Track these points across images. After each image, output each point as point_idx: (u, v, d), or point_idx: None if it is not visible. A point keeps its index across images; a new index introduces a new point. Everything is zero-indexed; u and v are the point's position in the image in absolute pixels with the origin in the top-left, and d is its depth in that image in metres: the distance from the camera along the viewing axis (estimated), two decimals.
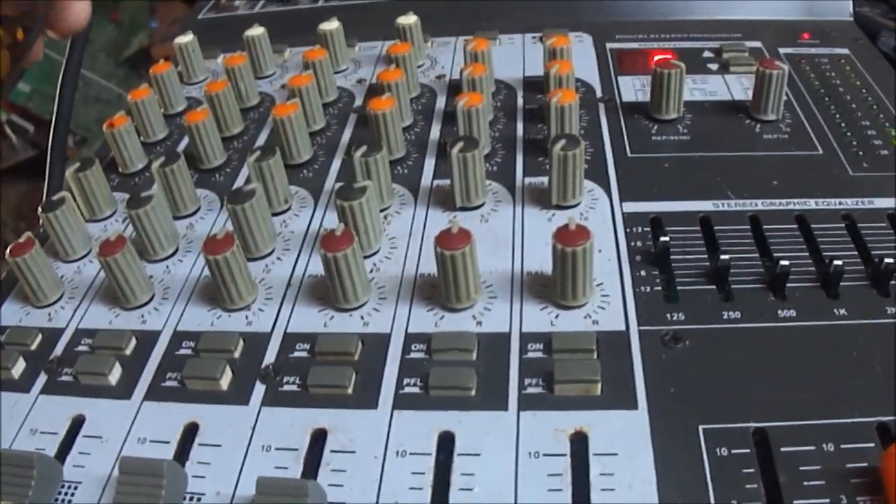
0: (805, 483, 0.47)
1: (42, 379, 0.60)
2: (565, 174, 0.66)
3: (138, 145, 0.81)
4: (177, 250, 0.70)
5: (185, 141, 0.83)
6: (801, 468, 0.47)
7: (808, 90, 0.83)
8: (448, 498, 0.48)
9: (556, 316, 0.58)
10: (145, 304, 0.65)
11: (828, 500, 0.46)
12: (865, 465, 0.47)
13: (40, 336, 0.64)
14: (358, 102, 0.87)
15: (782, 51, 0.90)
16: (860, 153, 0.73)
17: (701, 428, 0.50)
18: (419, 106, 0.85)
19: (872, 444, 0.48)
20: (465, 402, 0.54)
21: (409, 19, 0.90)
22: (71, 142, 1.83)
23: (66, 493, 0.52)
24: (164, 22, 1.96)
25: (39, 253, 0.65)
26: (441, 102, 0.86)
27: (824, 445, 0.48)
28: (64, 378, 0.60)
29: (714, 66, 0.88)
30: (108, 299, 0.65)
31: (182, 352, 0.60)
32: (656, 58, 0.87)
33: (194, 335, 0.61)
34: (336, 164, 0.78)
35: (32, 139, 1.91)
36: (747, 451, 0.49)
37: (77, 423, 0.56)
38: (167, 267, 0.68)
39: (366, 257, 0.65)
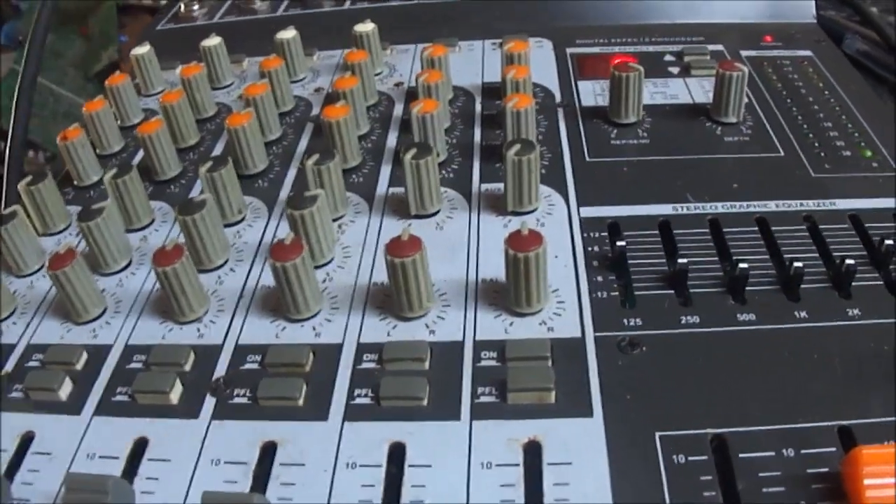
0: (764, 490, 0.46)
1: None
2: (520, 179, 0.65)
3: (93, 158, 0.79)
4: (130, 263, 0.68)
5: (142, 153, 0.82)
6: (761, 474, 0.46)
7: (769, 92, 0.82)
8: None
9: (511, 323, 0.57)
10: (97, 318, 0.63)
11: None
12: (827, 470, 0.46)
13: None
14: (315, 111, 0.86)
15: (744, 53, 0.90)
16: (822, 154, 0.72)
17: (658, 435, 0.49)
18: (376, 114, 0.84)
19: (834, 449, 0.47)
20: (416, 412, 0.52)
21: (366, 27, 0.89)
22: (41, 157, 1.82)
23: None
24: (133, 36, 1.94)
25: None
26: (399, 110, 0.84)
27: (784, 451, 0.48)
28: (14, 394, 0.58)
29: (675, 70, 0.87)
30: (60, 314, 0.64)
31: (133, 366, 0.59)
32: (616, 61, 0.86)
33: (145, 349, 0.60)
34: (292, 174, 0.76)
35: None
36: (705, 457, 0.48)
37: (27, 440, 0.55)
38: (120, 280, 0.67)
39: (318, 267, 0.64)
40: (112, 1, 1.56)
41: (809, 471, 0.46)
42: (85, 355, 0.60)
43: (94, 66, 1.90)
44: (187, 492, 0.50)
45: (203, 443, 0.53)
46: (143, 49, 0.92)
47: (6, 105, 1.72)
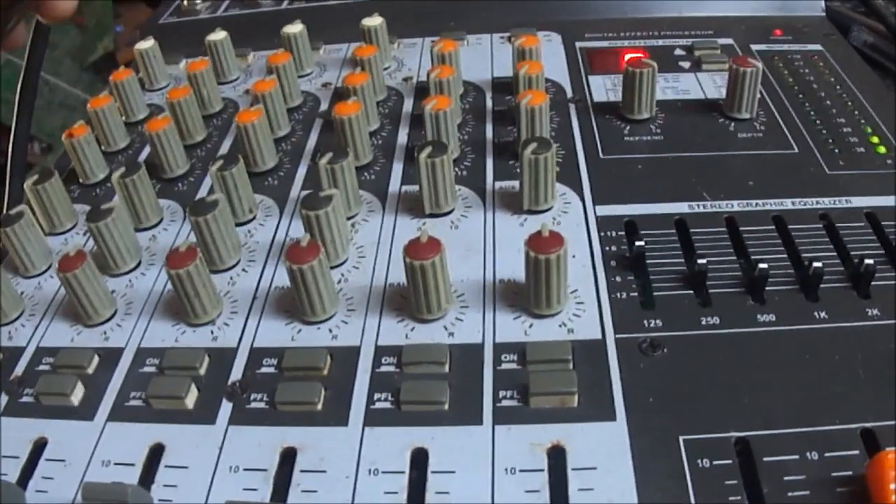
0: (790, 493, 0.45)
1: (3, 400, 0.58)
2: (537, 178, 0.64)
3: (99, 155, 0.79)
4: (139, 263, 0.68)
5: (148, 150, 0.81)
6: (785, 478, 0.46)
7: (781, 87, 0.82)
8: None
9: (531, 325, 0.57)
10: (107, 320, 0.62)
11: None
12: (850, 473, 0.46)
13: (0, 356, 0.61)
14: (323, 107, 0.85)
15: (755, 48, 0.89)
16: (836, 151, 0.72)
17: (682, 439, 0.49)
18: (386, 109, 0.83)
19: (857, 452, 0.47)
20: (438, 416, 0.52)
21: (374, 21, 0.88)
22: (37, 148, 1.81)
23: None
24: (129, 26, 1.93)
25: None
26: (408, 105, 0.84)
27: (808, 454, 0.47)
28: (25, 399, 0.57)
29: (686, 65, 0.86)
30: (69, 316, 0.63)
31: (146, 369, 0.58)
32: (627, 56, 0.86)
33: (158, 352, 0.59)
34: (302, 172, 0.76)
35: None
36: (729, 461, 0.47)
37: (39, 447, 0.54)
38: (130, 281, 0.66)
39: (333, 267, 0.63)
40: None
41: (834, 474, 0.46)
42: (96, 359, 0.59)
43: (90, 57, 1.89)
44: (206, 499, 0.49)
45: (221, 449, 0.52)
46: (147, 44, 0.92)
47: (5, 97, 1.71)
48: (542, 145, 0.63)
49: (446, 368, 0.55)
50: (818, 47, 0.90)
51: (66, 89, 1.85)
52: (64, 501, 0.50)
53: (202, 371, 0.57)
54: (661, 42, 0.91)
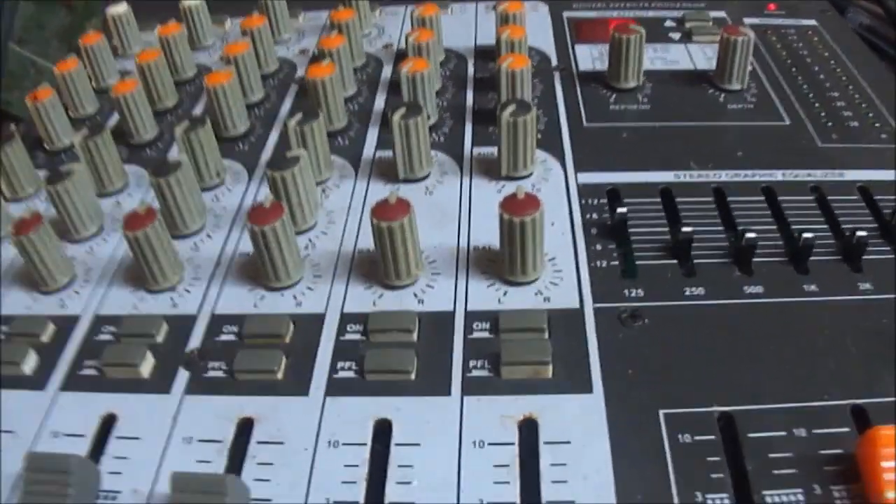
0: (775, 472, 0.43)
1: None
2: (515, 142, 0.62)
3: (65, 120, 0.76)
4: (101, 229, 0.65)
5: (117, 117, 0.78)
6: (771, 455, 0.44)
7: (774, 60, 0.80)
8: (384, 493, 0.44)
9: (505, 293, 0.55)
10: (65, 287, 0.60)
11: (800, 490, 0.42)
12: (840, 451, 0.44)
13: None
14: (300, 73, 0.83)
15: (748, 21, 0.87)
16: (829, 124, 0.70)
17: (661, 413, 0.47)
18: (364, 76, 0.81)
19: (847, 429, 0.45)
20: (403, 386, 0.50)
21: None
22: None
23: None
24: None
25: None
26: (388, 72, 0.81)
27: (795, 431, 0.45)
28: None
29: (676, 36, 0.84)
30: (26, 282, 0.60)
31: (102, 337, 0.56)
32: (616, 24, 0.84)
33: (116, 319, 0.56)
34: (274, 137, 0.73)
35: None
36: (712, 437, 0.45)
37: None
38: (90, 247, 0.64)
39: (300, 233, 0.61)
40: None
41: (822, 452, 0.44)
42: (52, 327, 0.57)
43: (79, 37, 1.86)
44: (157, 472, 0.47)
45: (175, 419, 0.49)
46: (120, 8, 0.89)
47: None
48: (522, 108, 0.61)
49: (414, 337, 0.52)
50: (813, 22, 0.88)
51: (54, 70, 1.82)
52: (8, 473, 0.48)
53: (160, 339, 0.55)
54: (651, 13, 0.89)
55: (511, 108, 0.61)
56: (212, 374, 0.52)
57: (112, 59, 0.85)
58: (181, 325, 0.56)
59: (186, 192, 0.61)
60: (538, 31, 0.86)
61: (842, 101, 0.73)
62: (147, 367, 0.53)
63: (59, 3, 1.78)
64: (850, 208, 0.60)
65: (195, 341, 0.54)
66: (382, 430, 0.48)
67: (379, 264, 0.55)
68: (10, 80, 1.16)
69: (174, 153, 0.72)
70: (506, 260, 0.54)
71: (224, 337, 0.55)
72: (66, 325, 0.57)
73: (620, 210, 0.58)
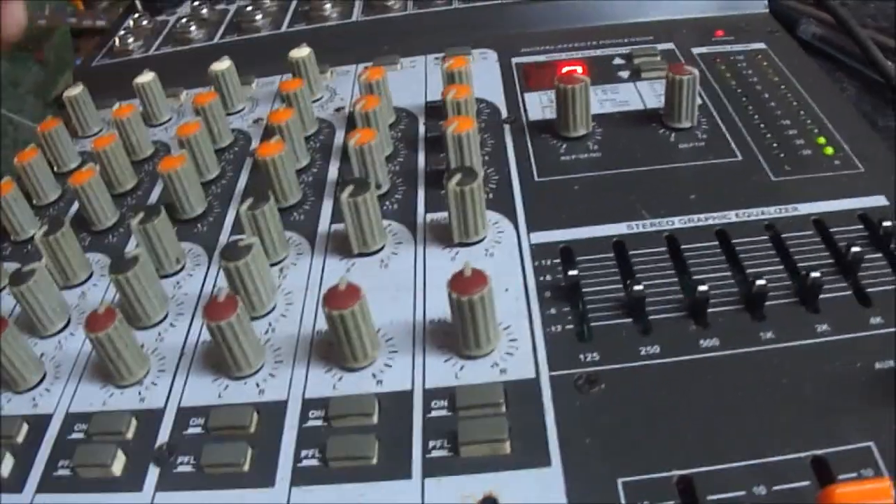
0: None
1: None
2: (464, 210, 0.62)
3: (28, 210, 0.76)
4: (68, 323, 0.65)
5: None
6: None
7: (724, 91, 0.80)
8: None
9: (461, 367, 0.55)
10: (36, 385, 0.60)
11: None
12: None
13: None
14: (255, 144, 0.83)
15: (696, 51, 0.87)
16: (781, 155, 0.70)
17: (620, 481, 0.46)
18: (317, 143, 0.81)
19: (808, 483, 0.45)
20: (366, 472, 0.50)
21: (301, 52, 0.86)
22: None
23: None
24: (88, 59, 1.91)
25: None
26: (340, 138, 0.81)
27: (755, 488, 0.45)
28: None
29: (625, 74, 0.84)
30: None
31: (75, 436, 0.56)
32: (563, 70, 0.84)
33: (86, 416, 0.57)
34: (232, 215, 0.73)
35: None
36: (671, 503, 0.45)
37: None
38: (58, 343, 0.64)
39: (260, 318, 0.61)
40: (66, 26, 1.54)
41: None
42: (25, 427, 0.57)
43: (52, 92, 1.86)
44: None
45: None
46: (76, 90, 0.89)
47: None
48: (468, 175, 0.61)
49: (374, 420, 0.53)
50: (762, 45, 0.88)
51: (30, 126, 1.82)
52: None
53: (129, 435, 0.55)
54: (599, 52, 0.89)
55: (457, 178, 0.61)
56: (181, 468, 0.52)
57: (70, 143, 0.85)
58: (149, 419, 0.56)
59: (146, 286, 0.61)
60: (487, 80, 0.86)
61: (793, 128, 0.73)
62: (118, 465, 0.53)
63: (31, 60, 1.79)
64: (806, 245, 0.60)
65: (164, 436, 0.54)
66: None
67: (335, 348, 0.56)
68: None
69: (135, 241, 0.72)
70: (459, 336, 0.54)
71: (191, 430, 0.55)
72: (39, 424, 0.57)
73: (572, 273, 0.58)
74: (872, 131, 0.72)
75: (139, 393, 0.58)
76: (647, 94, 0.80)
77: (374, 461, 0.50)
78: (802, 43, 0.96)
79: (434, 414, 0.52)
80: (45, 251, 0.67)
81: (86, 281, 0.69)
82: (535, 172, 0.71)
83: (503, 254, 0.63)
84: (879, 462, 0.46)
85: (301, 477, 0.50)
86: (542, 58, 0.90)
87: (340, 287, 0.53)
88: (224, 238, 0.71)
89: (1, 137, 1.35)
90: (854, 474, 0.45)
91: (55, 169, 0.84)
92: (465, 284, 0.52)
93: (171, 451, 0.53)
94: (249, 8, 1.05)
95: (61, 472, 0.54)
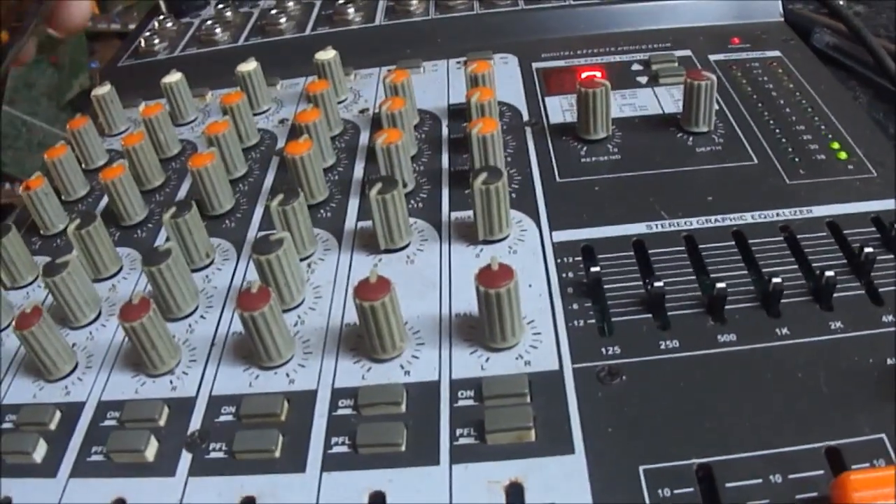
0: None
1: None
2: (489, 208, 0.63)
3: (58, 205, 0.78)
4: (99, 314, 0.67)
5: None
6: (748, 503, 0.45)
7: (740, 97, 0.81)
8: None
9: (487, 359, 0.56)
10: (68, 374, 0.62)
11: None
12: (815, 494, 0.45)
13: None
14: (280, 144, 0.84)
15: (712, 58, 0.88)
16: (796, 160, 0.71)
17: (641, 469, 0.48)
18: (342, 144, 0.83)
19: (822, 472, 0.46)
20: (395, 458, 0.51)
21: (326, 54, 0.87)
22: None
23: None
24: (103, 62, 1.93)
25: None
26: (365, 138, 0.83)
27: (771, 477, 0.46)
28: None
29: (643, 80, 0.86)
30: (31, 372, 0.62)
31: (107, 423, 0.57)
32: (583, 75, 0.85)
33: (119, 405, 0.58)
34: (259, 212, 0.75)
35: None
36: (691, 489, 0.46)
37: None
38: (90, 333, 0.65)
39: (289, 310, 0.63)
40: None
41: (798, 496, 0.45)
42: (58, 414, 0.58)
43: (67, 95, 1.88)
44: None
45: (181, 501, 0.51)
46: (104, 89, 0.91)
47: None
48: (493, 175, 0.63)
49: (403, 408, 0.54)
50: (777, 53, 0.89)
51: (44, 129, 1.84)
52: None
53: (162, 422, 0.56)
54: (618, 58, 0.90)
55: (483, 177, 0.62)
56: (213, 455, 0.54)
57: (99, 141, 0.87)
58: (181, 407, 0.57)
59: (178, 278, 0.63)
60: (509, 84, 0.88)
61: (808, 133, 0.74)
62: (152, 451, 0.54)
63: (46, 62, 1.80)
64: (820, 245, 0.61)
65: (196, 423, 0.56)
66: (377, 502, 0.49)
67: (364, 339, 0.57)
68: (3, 140, 1.19)
69: (164, 234, 0.74)
70: (485, 328, 0.56)
71: (223, 418, 0.56)
72: (71, 412, 0.58)
73: (594, 269, 0.59)
74: (885, 138, 0.74)
75: (171, 382, 0.59)
76: (665, 99, 0.82)
77: (403, 448, 0.52)
78: (816, 52, 0.97)
79: (461, 403, 0.54)
80: (76, 244, 0.68)
81: (116, 274, 0.71)
82: (556, 173, 0.73)
83: (526, 251, 0.65)
84: (891, 453, 0.47)
85: (331, 463, 0.52)
86: (561, 63, 0.91)
87: (371, 279, 0.55)
88: (252, 234, 0.72)
89: (16, 139, 1.36)
90: (867, 464, 0.46)
91: (83, 166, 0.85)
92: (493, 278, 0.54)
93: (203, 438, 0.55)
94: (274, 11, 1.06)
95: (95, 457, 0.55)
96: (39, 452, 0.56)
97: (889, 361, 0.53)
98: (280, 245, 0.61)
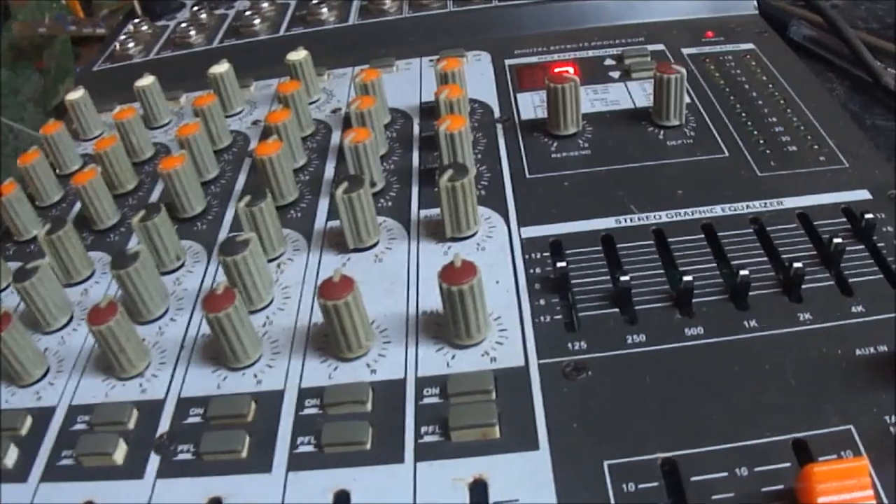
0: None
1: None
2: (456, 205, 0.63)
3: (31, 211, 0.77)
4: (71, 319, 0.67)
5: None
6: (714, 497, 0.45)
7: (712, 90, 0.81)
8: None
9: (453, 357, 0.56)
10: (40, 379, 0.61)
11: None
12: (781, 487, 0.45)
13: None
14: (253, 145, 0.84)
15: (686, 51, 0.88)
16: (767, 151, 0.71)
17: (606, 464, 0.48)
18: (314, 144, 0.82)
19: (789, 464, 0.46)
20: (360, 457, 0.51)
21: (298, 55, 0.87)
22: None
23: None
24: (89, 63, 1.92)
25: None
26: (336, 138, 0.83)
27: (737, 470, 0.46)
28: None
29: (616, 74, 0.85)
30: (2, 377, 0.62)
31: (78, 427, 0.57)
32: (555, 70, 0.85)
33: (89, 408, 0.58)
34: (230, 214, 0.74)
35: None
36: (655, 483, 0.46)
37: None
38: (62, 338, 0.65)
39: (257, 311, 0.63)
40: (66, 35, 1.54)
41: (764, 489, 0.45)
42: (30, 419, 0.58)
43: (53, 100, 1.88)
44: None
45: (150, 503, 0.51)
46: (77, 94, 0.91)
47: None
48: (459, 171, 0.62)
49: (368, 407, 0.54)
50: (750, 46, 0.89)
51: (31, 134, 1.84)
52: None
53: (131, 425, 0.56)
54: (590, 53, 0.90)
55: (449, 174, 0.62)
56: (181, 456, 0.54)
57: (72, 145, 0.87)
58: (150, 410, 0.57)
59: (147, 281, 0.63)
60: (481, 81, 0.88)
61: (780, 125, 0.74)
62: (120, 453, 0.54)
63: (32, 68, 1.80)
64: (790, 237, 0.61)
65: (164, 425, 0.56)
66: (341, 501, 0.49)
67: (330, 338, 0.57)
68: None
69: (136, 238, 0.74)
70: (450, 325, 0.56)
71: (191, 419, 0.56)
72: (43, 416, 0.58)
73: (560, 264, 0.59)
74: (858, 128, 0.74)
75: (140, 385, 0.59)
76: (637, 94, 0.82)
77: (368, 446, 0.51)
78: (793, 44, 0.97)
79: (426, 401, 0.54)
80: (47, 249, 0.68)
81: (88, 278, 0.71)
82: (526, 169, 0.73)
83: (494, 248, 0.64)
84: (859, 444, 0.47)
85: (297, 462, 0.52)
86: (534, 59, 0.91)
87: (334, 279, 0.55)
88: (223, 236, 0.72)
89: (1, 145, 1.36)
90: (834, 455, 0.46)
91: (57, 171, 0.85)
92: (456, 275, 0.53)
93: (171, 440, 0.55)
94: (248, 12, 1.06)
95: (65, 461, 0.55)
96: (11, 458, 0.56)
97: (858, 352, 0.52)
98: (246, 246, 0.61)
